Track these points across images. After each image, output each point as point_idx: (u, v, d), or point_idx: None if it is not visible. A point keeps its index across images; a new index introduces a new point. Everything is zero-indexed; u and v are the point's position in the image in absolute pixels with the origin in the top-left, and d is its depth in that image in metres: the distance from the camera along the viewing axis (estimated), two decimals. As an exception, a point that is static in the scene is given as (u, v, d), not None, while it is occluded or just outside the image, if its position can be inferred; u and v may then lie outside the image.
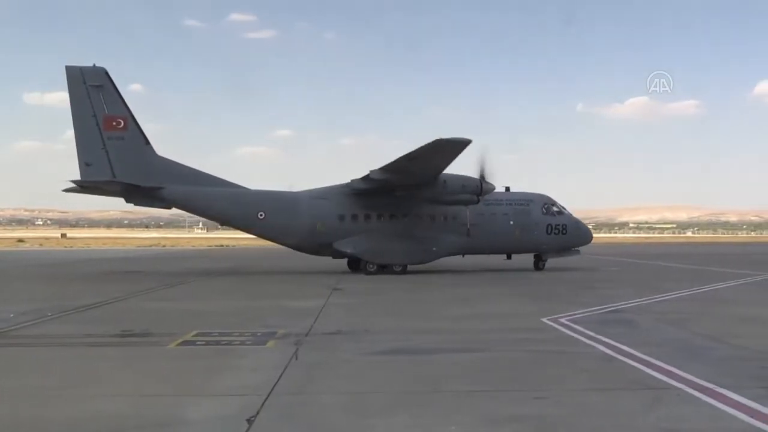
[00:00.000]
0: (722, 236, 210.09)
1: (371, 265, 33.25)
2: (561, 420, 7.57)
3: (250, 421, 7.49)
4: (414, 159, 29.88)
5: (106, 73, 32.70)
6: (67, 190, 33.20)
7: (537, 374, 9.96)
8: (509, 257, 37.70)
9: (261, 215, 33.39)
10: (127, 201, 33.95)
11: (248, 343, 12.87)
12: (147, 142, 33.05)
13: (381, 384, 9.40)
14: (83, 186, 32.44)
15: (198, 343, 12.91)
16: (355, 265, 35.38)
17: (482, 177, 32.94)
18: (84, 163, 32.23)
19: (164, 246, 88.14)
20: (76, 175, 31.84)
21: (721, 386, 8.91)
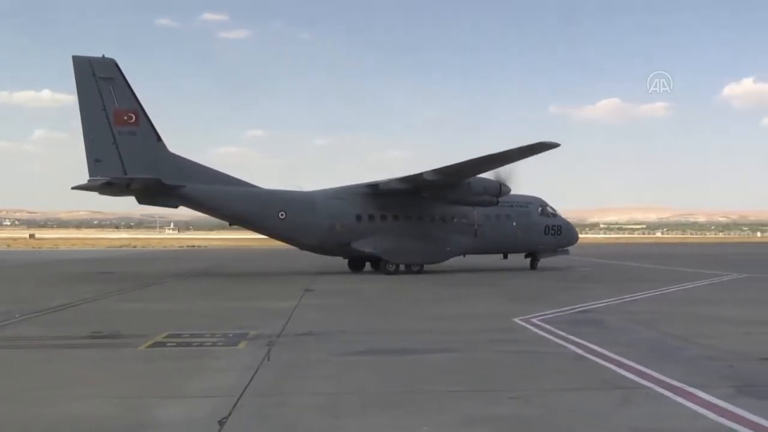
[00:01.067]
0: (691, 237, 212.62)
1: (391, 265, 33.75)
2: (534, 420, 7.61)
3: (221, 423, 7.43)
4: (495, 160, 31.76)
5: (116, 65, 31.26)
6: (76, 188, 31.26)
7: (510, 374, 10.00)
8: (506, 257, 39.00)
9: (282, 215, 33.20)
10: (141, 201, 32.40)
11: (220, 344, 12.77)
12: (159, 138, 31.67)
13: (355, 385, 9.37)
14: (111, 183, 30.44)
15: (169, 344, 12.79)
16: (357, 265, 36.08)
17: (500, 179, 34.24)
18: (93, 159, 30.61)
19: (135, 247, 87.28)
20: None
21: (690, 385, 9.00)
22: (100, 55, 31.28)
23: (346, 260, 36.61)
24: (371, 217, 34.12)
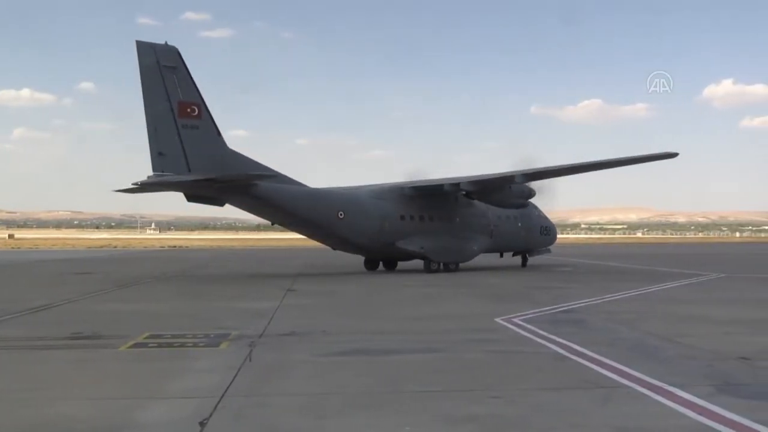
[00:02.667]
0: (671, 237, 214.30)
1: (434, 264, 35.01)
2: (516, 419, 7.63)
3: (202, 424, 7.39)
4: (607, 166, 35.58)
5: (179, 54, 29.98)
6: (146, 183, 29.98)
7: (492, 374, 10.02)
8: (502, 255, 41.51)
9: (341, 215, 33.45)
10: (192, 200, 31.05)
11: (201, 344, 12.71)
12: (219, 133, 30.72)
13: (336, 385, 9.35)
14: (212, 181, 29.16)
15: (150, 345, 12.72)
16: (374, 264, 37.10)
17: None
18: (157, 153, 29.16)
19: (116, 247, 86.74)
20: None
21: (671, 384, 9.06)
22: (163, 42, 30.11)
23: (363, 259, 37.32)
24: (411, 218, 35.13)
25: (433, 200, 35.69)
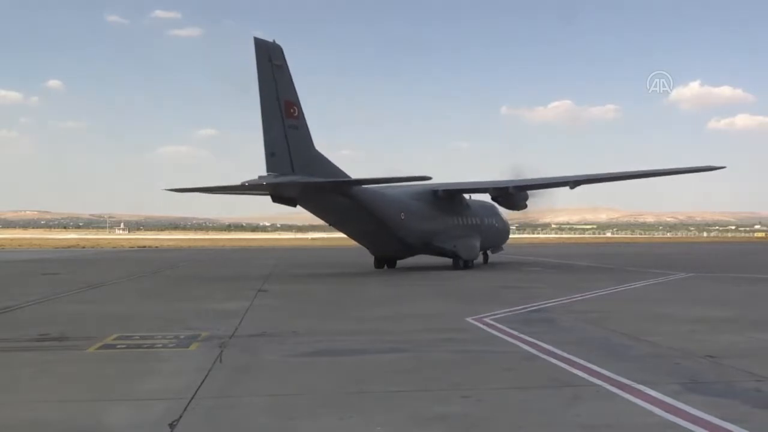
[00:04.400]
0: (640, 237, 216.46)
1: (462, 261, 37.01)
2: (486, 418, 7.68)
3: (172, 426, 7.35)
4: (656, 175, 39.53)
5: (283, 53, 29.95)
6: (245, 187, 30.44)
7: (462, 373, 10.07)
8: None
9: (402, 216, 34.60)
10: (282, 201, 30.79)
11: (171, 346, 12.62)
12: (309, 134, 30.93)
13: (307, 386, 9.34)
14: (337, 184, 30.62)
15: (119, 346, 12.60)
16: (383, 263, 37.80)
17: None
18: (269, 153, 29.01)
19: (84, 247, 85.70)
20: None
21: (638, 382, 9.18)
22: (271, 40, 29.98)
23: (374, 258, 38.03)
24: (442, 218, 36.97)
25: (454, 202, 38.15)
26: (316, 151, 31.06)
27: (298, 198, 30.69)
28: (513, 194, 37.34)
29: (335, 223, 34.95)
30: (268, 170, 28.93)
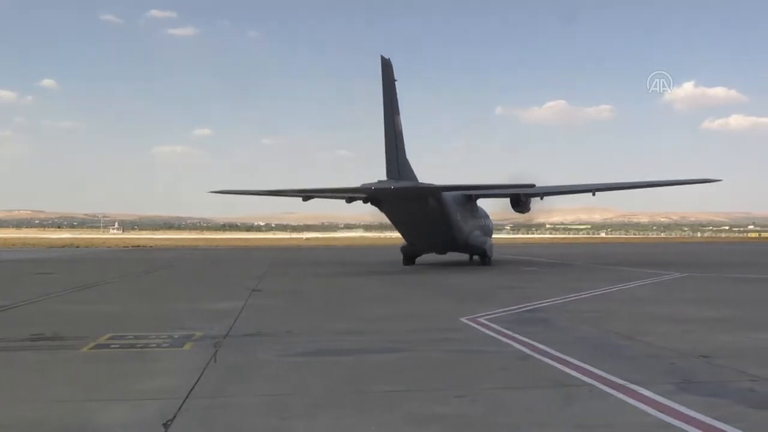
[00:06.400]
0: (634, 237, 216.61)
1: (488, 258, 39.97)
2: (480, 418, 7.68)
3: (166, 426, 7.34)
4: (656, 186, 43.20)
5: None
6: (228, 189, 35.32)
7: (457, 373, 10.07)
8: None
9: (459, 217, 37.79)
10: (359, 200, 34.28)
11: (165, 345, 12.61)
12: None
13: (302, 386, 9.33)
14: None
15: (112, 346, 12.58)
16: (411, 260, 39.60)
17: None
18: (388, 159, 32.66)
19: (78, 246, 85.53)
20: None
21: (632, 383, 9.18)
22: (388, 58, 33.74)
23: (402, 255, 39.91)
24: (473, 220, 39.91)
25: (474, 204, 40.96)
26: (405, 156, 34.62)
27: (391, 201, 33.60)
28: (521, 202, 40.21)
29: (407, 224, 36.64)
30: (388, 176, 32.72)
